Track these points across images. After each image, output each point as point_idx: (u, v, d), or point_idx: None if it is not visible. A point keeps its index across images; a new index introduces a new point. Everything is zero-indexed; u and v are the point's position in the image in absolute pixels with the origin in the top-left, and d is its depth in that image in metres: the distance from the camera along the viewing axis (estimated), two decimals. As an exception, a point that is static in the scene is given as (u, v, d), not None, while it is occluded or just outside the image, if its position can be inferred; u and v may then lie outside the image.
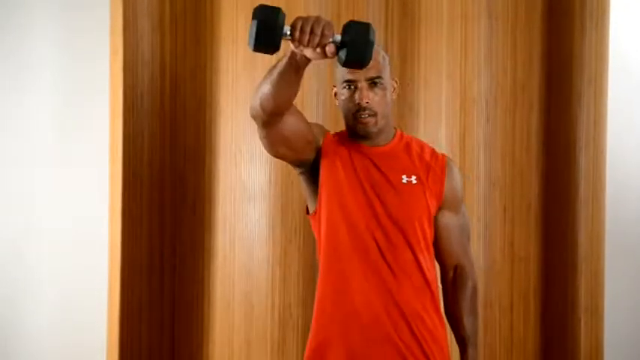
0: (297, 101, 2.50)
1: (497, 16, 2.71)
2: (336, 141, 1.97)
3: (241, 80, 2.56)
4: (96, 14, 2.69)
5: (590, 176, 2.70)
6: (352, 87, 1.89)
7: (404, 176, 1.92)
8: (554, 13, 2.74)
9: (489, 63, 2.70)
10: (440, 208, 1.96)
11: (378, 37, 2.65)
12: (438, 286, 1.97)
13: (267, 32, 1.47)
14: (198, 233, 2.63)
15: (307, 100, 2.52)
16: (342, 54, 1.53)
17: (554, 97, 2.75)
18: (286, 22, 1.49)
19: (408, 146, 1.99)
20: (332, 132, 2.04)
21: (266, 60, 2.49)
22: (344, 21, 2.51)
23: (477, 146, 2.68)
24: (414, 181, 1.92)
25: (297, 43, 1.50)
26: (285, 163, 2.42)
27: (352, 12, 2.60)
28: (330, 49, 1.50)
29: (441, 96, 2.65)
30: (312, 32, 1.48)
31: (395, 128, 2.03)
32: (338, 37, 1.51)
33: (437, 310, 1.94)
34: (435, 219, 1.96)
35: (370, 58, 1.56)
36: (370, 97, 1.88)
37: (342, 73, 1.91)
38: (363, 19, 2.58)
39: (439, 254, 2.00)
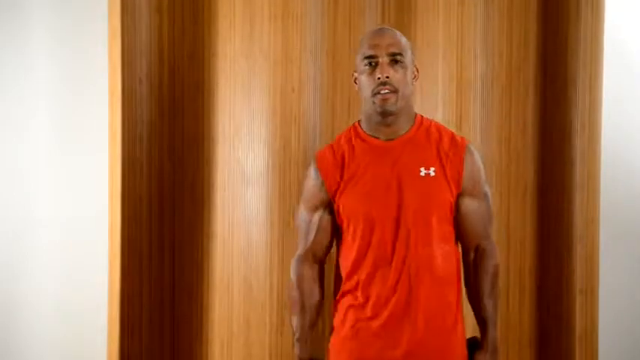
0: (294, 86, 2.54)
1: (493, 2, 2.71)
2: (334, 152, 1.99)
3: (239, 65, 2.56)
4: (96, 2, 2.69)
5: (585, 159, 2.70)
6: (373, 63, 1.89)
7: (422, 168, 1.92)
8: None
9: (485, 47, 2.71)
10: (459, 195, 1.96)
11: (375, 21, 2.67)
12: (460, 278, 1.99)
13: None
14: (197, 217, 2.65)
15: (304, 86, 2.54)
16: None
17: (549, 81, 2.76)
18: None
19: (427, 133, 1.98)
20: (328, 144, 2.08)
21: (264, 46, 2.53)
22: (342, 5, 2.58)
23: (473, 129, 2.69)
24: (432, 173, 1.92)
25: None
26: (283, 147, 2.47)
27: None
28: None
29: (438, 79, 2.66)
30: None
31: (415, 114, 2.01)
32: None
33: (457, 303, 1.96)
34: (457, 204, 1.96)
35: None
36: (391, 73, 1.88)
37: (363, 49, 1.92)
38: (360, 2, 2.61)
39: (460, 237, 2.01)
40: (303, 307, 2.03)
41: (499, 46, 2.73)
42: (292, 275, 2.06)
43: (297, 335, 2.03)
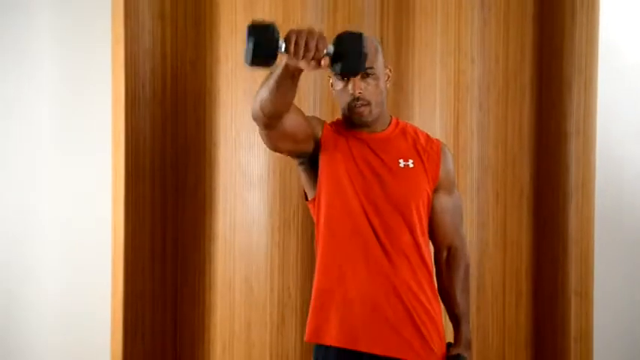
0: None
1: (490, 6, 2.75)
2: (334, 130, 2.03)
3: (240, 69, 2.58)
4: (98, 4, 2.71)
5: (580, 162, 2.74)
6: (346, 78, 1.95)
7: (401, 160, 1.98)
8: (546, 3, 2.78)
9: (482, 51, 2.74)
10: (435, 190, 2.02)
11: (374, 26, 2.68)
12: (433, 267, 2.03)
13: (263, 49, 1.50)
14: (199, 219, 2.67)
15: (304, 89, 2.57)
16: (337, 66, 1.56)
17: (545, 86, 2.79)
18: (281, 35, 1.52)
19: (403, 131, 2.05)
20: (329, 121, 2.09)
21: None
22: (341, 10, 2.60)
23: (470, 133, 2.72)
24: (411, 165, 1.98)
25: (291, 57, 1.53)
26: None
27: (348, 2, 2.63)
28: (324, 62, 1.54)
29: (435, 84, 2.68)
30: (306, 46, 1.51)
31: (390, 116, 2.09)
32: (331, 49, 1.55)
33: (433, 290, 1.99)
34: (432, 200, 2.01)
35: (364, 68, 1.61)
36: (363, 88, 1.94)
37: None
38: (359, 8, 2.63)
39: (433, 235, 2.05)
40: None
41: (496, 51, 2.76)
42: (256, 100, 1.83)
43: (267, 79, 1.74)
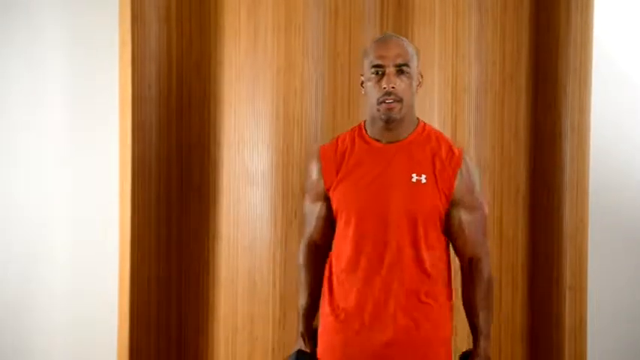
0: (296, 91, 2.57)
1: (487, 10, 2.78)
2: (335, 150, 2.04)
3: (244, 71, 2.60)
4: (105, 8, 2.75)
5: (574, 161, 2.76)
6: (380, 72, 1.93)
7: (414, 175, 1.95)
8: (541, 6, 2.81)
9: (479, 54, 2.76)
10: (452, 205, 1.98)
11: (374, 28, 2.69)
12: (450, 283, 2.03)
13: None
14: (203, 216, 2.69)
15: (306, 91, 2.59)
16: None
17: (540, 87, 2.82)
18: None
19: (427, 139, 2.00)
20: (330, 140, 2.13)
21: (267, 53, 2.57)
22: (342, 13, 2.64)
23: (467, 134, 2.74)
24: (424, 181, 1.95)
25: None
26: (285, 149, 2.51)
27: (349, 5, 2.65)
28: None
29: (434, 86, 2.70)
30: None
31: (418, 119, 2.04)
32: None
33: (439, 304, 1.97)
34: (450, 215, 1.98)
35: None
36: (397, 84, 1.92)
37: (371, 58, 1.95)
38: (360, 12, 2.66)
39: (455, 247, 2.04)
40: (307, 288, 2.14)
41: (492, 53, 2.79)
42: (298, 259, 2.19)
43: (300, 312, 2.14)
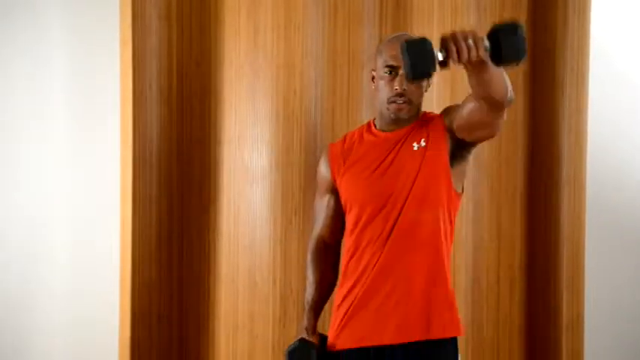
0: (296, 90, 2.59)
1: (485, 9, 2.80)
2: (342, 146, 2.12)
3: (244, 70, 2.62)
4: (106, 7, 2.76)
5: (571, 160, 2.78)
6: (393, 73, 2.00)
7: (414, 144, 2.01)
8: (539, 6, 2.84)
9: None
10: (449, 130, 1.99)
11: (373, 27, 2.71)
12: (442, 243, 2.03)
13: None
14: (204, 214, 2.70)
15: (305, 90, 2.60)
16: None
17: (538, 86, 2.84)
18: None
19: (424, 120, 2.08)
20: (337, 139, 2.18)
21: (267, 53, 2.59)
22: (341, 12, 2.65)
23: None
24: (423, 144, 2.00)
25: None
26: (286, 148, 2.52)
27: (348, 5, 2.67)
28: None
29: (433, 85, 2.60)
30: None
31: (419, 111, 2.11)
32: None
33: (436, 266, 2.00)
34: (450, 123, 1.99)
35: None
36: (408, 86, 1.99)
37: (385, 57, 2.02)
38: (359, 11, 2.68)
39: (474, 117, 1.92)
40: (313, 283, 2.18)
41: (491, 53, 2.83)
42: (308, 254, 2.24)
43: (306, 307, 2.18)
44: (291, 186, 2.59)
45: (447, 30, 2.67)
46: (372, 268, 1.99)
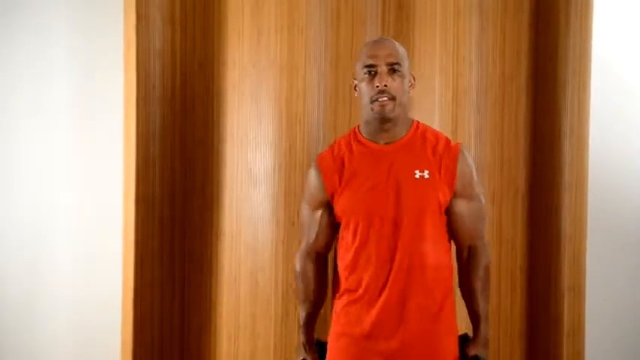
0: (299, 92, 2.60)
1: (487, 12, 2.80)
2: (334, 155, 2.06)
3: (247, 72, 2.63)
4: (110, 9, 2.78)
5: (573, 163, 2.77)
6: (372, 72, 1.96)
7: (417, 171, 1.97)
8: (541, 9, 2.83)
9: (480, 57, 2.78)
10: (453, 196, 2.01)
11: (375, 31, 2.72)
12: (452, 275, 2.05)
13: None
14: (206, 215, 2.72)
15: (308, 91, 2.61)
16: None
17: (540, 89, 2.83)
18: None
19: (423, 137, 2.02)
20: (330, 144, 2.15)
21: (270, 55, 2.60)
22: (344, 17, 2.66)
23: (468, 135, 2.76)
24: (426, 176, 1.97)
25: None
26: (288, 149, 2.52)
27: (351, 8, 2.68)
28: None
29: (434, 87, 2.72)
30: None
31: (412, 120, 2.07)
32: None
33: (446, 297, 2.00)
34: (450, 205, 2.01)
35: None
36: (389, 82, 1.94)
37: (363, 60, 1.98)
38: (362, 14, 2.68)
39: (454, 236, 2.06)
40: (305, 298, 2.15)
41: (493, 56, 2.81)
42: (296, 268, 2.17)
43: (301, 322, 2.15)
44: (293, 187, 2.60)
45: (450, 36, 2.72)
46: (377, 284, 1.98)
